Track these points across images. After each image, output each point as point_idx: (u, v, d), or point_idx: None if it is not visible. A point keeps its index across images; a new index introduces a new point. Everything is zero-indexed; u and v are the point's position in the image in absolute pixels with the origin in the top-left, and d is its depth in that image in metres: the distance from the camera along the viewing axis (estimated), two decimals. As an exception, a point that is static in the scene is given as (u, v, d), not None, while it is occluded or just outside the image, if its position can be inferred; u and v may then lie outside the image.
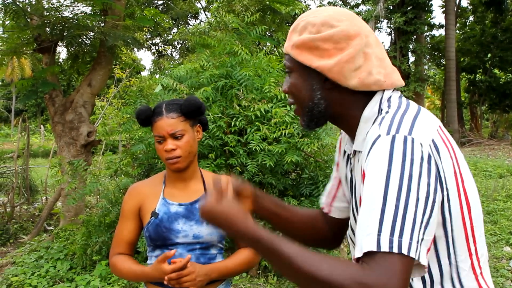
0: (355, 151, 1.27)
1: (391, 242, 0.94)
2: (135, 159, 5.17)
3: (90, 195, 7.52)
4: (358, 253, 0.98)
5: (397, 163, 1.00)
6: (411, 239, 0.95)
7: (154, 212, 1.93)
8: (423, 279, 1.08)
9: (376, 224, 0.97)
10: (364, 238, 0.98)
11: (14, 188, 8.22)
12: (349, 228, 1.32)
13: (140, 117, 1.95)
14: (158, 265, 1.82)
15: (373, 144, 1.07)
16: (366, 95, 1.23)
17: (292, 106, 4.75)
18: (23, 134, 12.44)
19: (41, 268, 5.17)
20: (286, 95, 1.38)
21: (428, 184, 1.01)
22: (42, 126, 28.46)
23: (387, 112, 1.15)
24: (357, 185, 1.21)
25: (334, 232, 1.55)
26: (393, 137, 1.04)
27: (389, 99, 1.21)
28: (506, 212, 7.65)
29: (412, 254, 0.94)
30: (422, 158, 1.02)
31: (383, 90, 1.23)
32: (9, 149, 17.45)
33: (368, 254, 0.96)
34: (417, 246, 0.95)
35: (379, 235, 0.95)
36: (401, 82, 1.24)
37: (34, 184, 9.72)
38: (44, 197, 9.41)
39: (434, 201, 1.01)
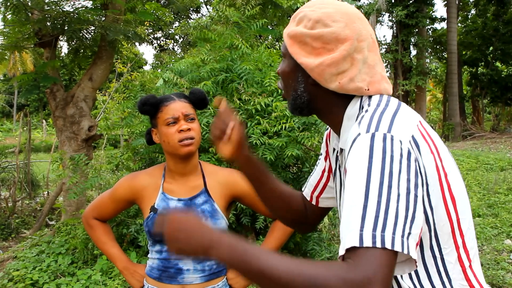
0: (342, 149, 1.27)
1: (373, 237, 0.92)
2: (136, 153, 5.17)
3: (92, 189, 7.52)
4: (341, 251, 0.96)
5: (377, 160, 1.00)
6: (394, 233, 0.93)
7: (154, 207, 1.93)
8: (409, 273, 1.08)
9: (359, 220, 0.95)
10: (346, 234, 0.96)
11: (16, 182, 8.24)
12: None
13: (149, 102, 1.93)
14: (135, 274, 2.05)
15: (353, 142, 1.07)
16: (350, 95, 1.24)
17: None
18: (25, 128, 12.47)
19: (42, 262, 5.19)
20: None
21: (408, 180, 1.00)
22: (44, 121, 28.48)
23: (366, 111, 1.14)
24: (343, 183, 1.19)
25: (311, 218, 1.58)
26: (373, 135, 1.03)
27: (370, 97, 1.21)
28: (507, 205, 7.66)
29: (396, 248, 0.92)
30: (401, 155, 1.01)
31: None
32: (11, 144, 17.51)
33: (352, 250, 0.93)
34: (402, 240, 0.93)
35: (361, 230, 0.94)
36: (387, 92, 1.23)
37: (35, 179, 9.74)
38: (46, 192, 9.43)
39: (416, 196, 1.00)
